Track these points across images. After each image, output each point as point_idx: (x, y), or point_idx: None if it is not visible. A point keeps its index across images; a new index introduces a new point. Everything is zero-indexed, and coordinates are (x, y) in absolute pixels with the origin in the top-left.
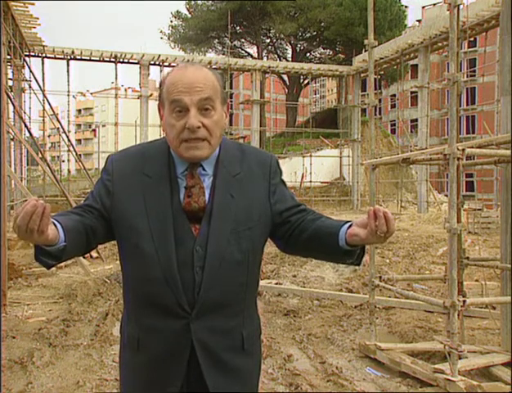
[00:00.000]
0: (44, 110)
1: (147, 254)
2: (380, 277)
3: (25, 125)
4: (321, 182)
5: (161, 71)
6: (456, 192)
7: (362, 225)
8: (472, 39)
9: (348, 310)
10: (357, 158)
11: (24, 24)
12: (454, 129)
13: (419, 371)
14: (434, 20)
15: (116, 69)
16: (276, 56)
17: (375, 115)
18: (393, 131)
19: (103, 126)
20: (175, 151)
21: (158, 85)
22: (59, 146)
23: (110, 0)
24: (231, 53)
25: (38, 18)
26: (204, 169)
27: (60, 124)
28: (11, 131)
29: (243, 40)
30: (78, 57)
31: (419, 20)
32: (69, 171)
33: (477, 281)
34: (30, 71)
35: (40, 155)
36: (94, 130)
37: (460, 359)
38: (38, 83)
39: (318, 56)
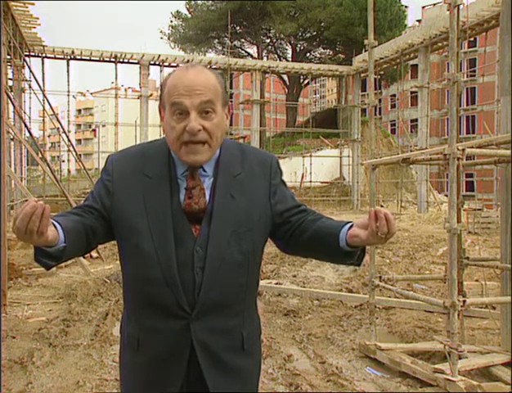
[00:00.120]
0: (44, 110)
1: (147, 254)
2: (380, 277)
3: (25, 125)
4: (321, 182)
5: (161, 71)
6: (456, 192)
7: (363, 226)
8: (472, 39)
9: (348, 310)
10: (357, 158)
11: (24, 24)
12: (454, 129)
13: (419, 371)
14: (434, 20)
15: (116, 69)
16: (276, 56)
17: (375, 115)
18: (393, 131)
19: (103, 126)
20: (175, 153)
21: (158, 85)
22: (59, 146)
23: (110, 0)
24: (231, 53)
25: (38, 18)
26: (204, 170)
27: (60, 124)
28: (11, 131)
29: (243, 40)
30: (78, 57)
31: (419, 20)
32: (69, 171)
33: (477, 281)
34: (30, 71)
35: (40, 155)
36: (94, 130)
37: (460, 359)
38: (38, 83)
39: (318, 56)
